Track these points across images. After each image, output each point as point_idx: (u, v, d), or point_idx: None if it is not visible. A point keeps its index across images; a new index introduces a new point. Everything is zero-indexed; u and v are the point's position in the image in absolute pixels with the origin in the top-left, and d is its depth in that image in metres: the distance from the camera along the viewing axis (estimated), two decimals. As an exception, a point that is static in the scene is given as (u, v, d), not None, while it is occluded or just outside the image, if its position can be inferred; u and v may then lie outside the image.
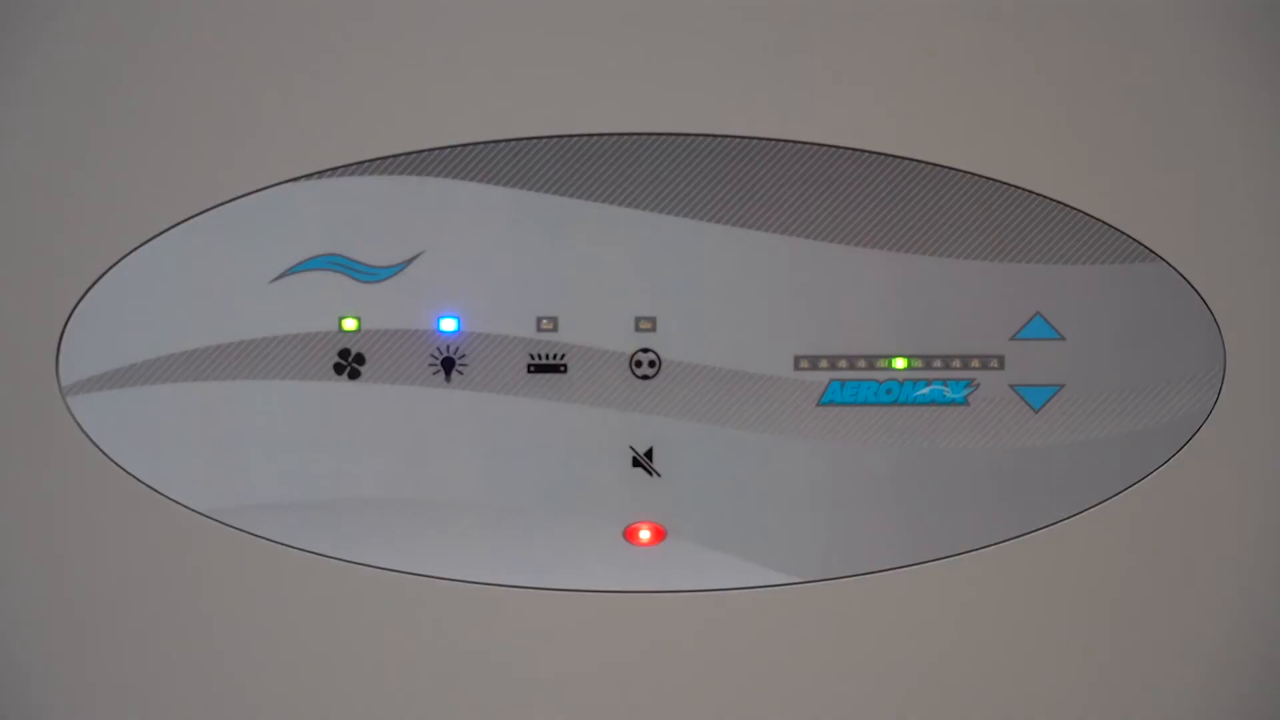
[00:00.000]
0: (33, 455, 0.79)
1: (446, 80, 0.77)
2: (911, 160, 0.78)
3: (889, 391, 0.80)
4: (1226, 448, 0.80)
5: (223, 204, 0.78)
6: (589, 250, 0.79)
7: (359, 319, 0.79)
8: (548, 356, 0.80)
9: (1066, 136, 0.78)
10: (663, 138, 0.78)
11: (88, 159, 0.77)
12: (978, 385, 0.80)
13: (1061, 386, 0.80)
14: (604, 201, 0.78)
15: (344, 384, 0.79)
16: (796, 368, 0.80)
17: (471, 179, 0.78)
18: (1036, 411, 0.80)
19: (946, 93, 0.77)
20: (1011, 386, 0.80)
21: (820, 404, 0.80)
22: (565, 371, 0.80)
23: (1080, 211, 0.79)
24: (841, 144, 0.78)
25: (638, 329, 0.79)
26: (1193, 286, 0.79)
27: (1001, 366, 0.80)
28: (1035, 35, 0.77)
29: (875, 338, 0.80)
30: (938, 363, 0.80)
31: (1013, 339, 0.80)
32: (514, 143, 0.78)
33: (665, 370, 0.80)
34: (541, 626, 0.81)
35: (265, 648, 0.81)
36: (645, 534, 0.81)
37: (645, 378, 0.80)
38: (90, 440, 0.79)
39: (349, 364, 0.79)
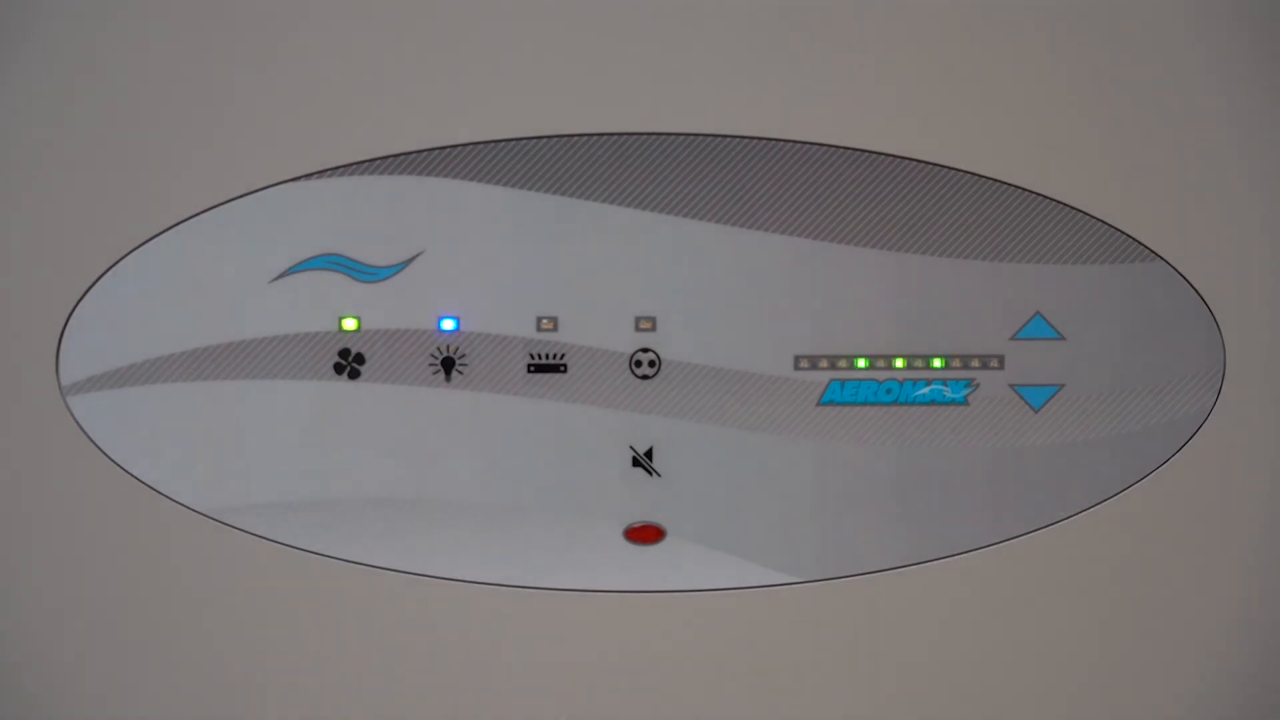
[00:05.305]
0: (33, 455, 0.79)
1: (447, 80, 0.77)
2: (911, 160, 0.78)
3: (889, 391, 0.80)
4: (1226, 448, 0.80)
5: (223, 204, 0.78)
6: (589, 250, 0.79)
7: (359, 319, 0.79)
8: (548, 356, 0.80)
9: (1067, 137, 0.78)
10: (663, 138, 0.78)
11: (87, 159, 0.77)
12: (978, 385, 0.80)
13: (1061, 386, 0.80)
14: (604, 201, 0.78)
15: (344, 384, 0.79)
16: (796, 368, 0.80)
17: (471, 179, 0.78)
18: (1036, 411, 0.80)
19: (947, 93, 0.77)
20: (1011, 386, 0.80)
21: (820, 404, 0.80)
22: (565, 371, 0.80)
23: (1080, 211, 0.79)
24: (841, 144, 0.78)
25: (638, 329, 0.79)
26: (1193, 286, 0.79)
27: (1001, 366, 0.80)
28: (1035, 36, 0.77)
29: (875, 338, 0.80)
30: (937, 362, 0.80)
31: (1013, 339, 0.80)
32: (514, 143, 0.78)
33: (665, 370, 0.80)
34: (542, 626, 0.81)
35: (265, 647, 0.81)
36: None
37: (645, 378, 0.80)
38: (90, 440, 0.79)
39: (349, 364, 0.79)
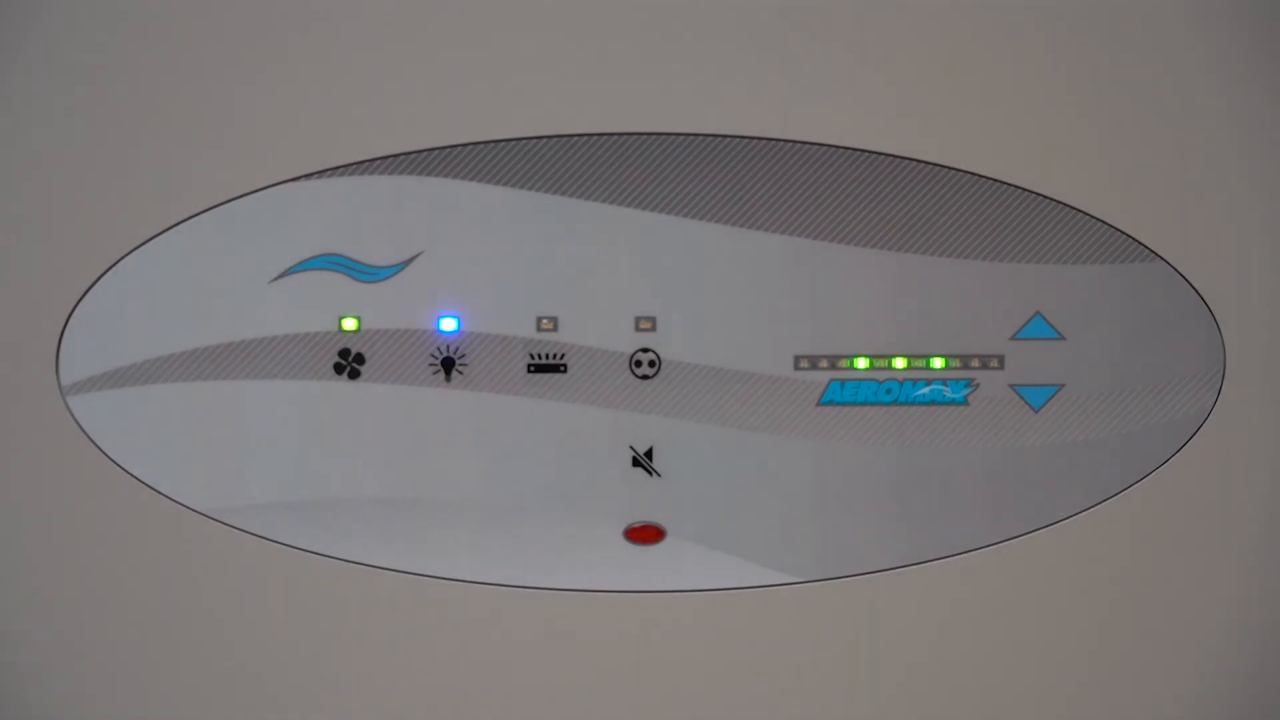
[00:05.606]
0: (33, 455, 0.79)
1: (447, 80, 0.77)
2: (911, 160, 0.78)
3: (889, 391, 0.80)
4: (1226, 448, 0.80)
5: (223, 204, 0.78)
6: (589, 250, 0.79)
7: (359, 319, 0.79)
8: (548, 356, 0.80)
9: (1067, 136, 0.78)
10: (663, 138, 0.78)
11: (87, 159, 0.77)
12: (978, 385, 0.80)
13: (1061, 386, 0.80)
14: (604, 201, 0.78)
15: (344, 384, 0.79)
16: (796, 368, 0.80)
17: (471, 179, 0.78)
18: (1036, 411, 0.80)
19: (947, 93, 0.77)
20: (1011, 386, 0.80)
21: (820, 404, 0.80)
22: (565, 371, 0.80)
23: (1080, 211, 0.79)
24: (841, 144, 0.78)
25: (638, 329, 0.79)
26: (1193, 286, 0.79)
27: (1001, 366, 0.80)
28: (1036, 36, 0.77)
29: (875, 338, 0.80)
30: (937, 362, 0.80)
31: (1013, 339, 0.80)
32: (514, 143, 0.78)
33: (665, 370, 0.80)
34: (542, 626, 0.81)
35: (265, 647, 0.81)
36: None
37: (645, 378, 0.80)
38: (90, 440, 0.79)
39: (349, 364, 0.79)
